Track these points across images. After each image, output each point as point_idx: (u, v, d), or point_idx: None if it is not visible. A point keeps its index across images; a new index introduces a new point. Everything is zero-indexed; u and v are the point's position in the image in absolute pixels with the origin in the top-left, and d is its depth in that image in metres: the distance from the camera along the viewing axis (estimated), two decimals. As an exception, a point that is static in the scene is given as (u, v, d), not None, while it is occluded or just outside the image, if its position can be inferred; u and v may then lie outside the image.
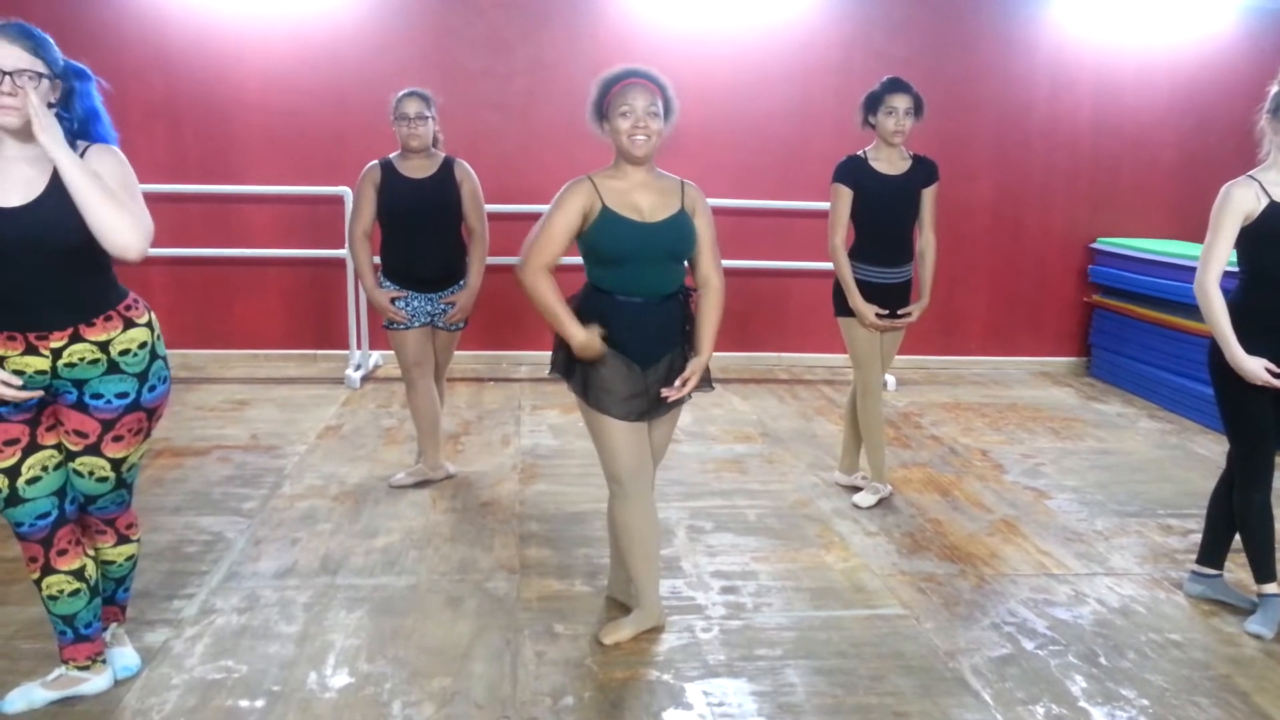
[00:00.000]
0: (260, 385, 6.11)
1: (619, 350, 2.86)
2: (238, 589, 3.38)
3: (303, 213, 6.51)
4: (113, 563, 2.77)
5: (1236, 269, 3.24)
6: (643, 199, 2.84)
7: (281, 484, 4.40)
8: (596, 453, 3.01)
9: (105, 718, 2.62)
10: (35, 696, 2.65)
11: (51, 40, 2.36)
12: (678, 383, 2.90)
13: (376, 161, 4.18)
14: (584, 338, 2.82)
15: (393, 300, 4.19)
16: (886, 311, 4.13)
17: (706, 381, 3.03)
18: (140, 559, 2.91)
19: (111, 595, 2.82)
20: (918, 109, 4.01)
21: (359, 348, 6.44)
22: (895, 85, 4.01)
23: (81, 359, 2.44)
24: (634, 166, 2.84)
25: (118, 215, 2.30)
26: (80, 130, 2.44)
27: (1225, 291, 3.14)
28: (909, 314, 4.18)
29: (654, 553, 3.08)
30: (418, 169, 4.15)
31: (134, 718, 2.62)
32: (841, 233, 4.10)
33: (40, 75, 2.29)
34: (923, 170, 4.11)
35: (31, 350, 2.41)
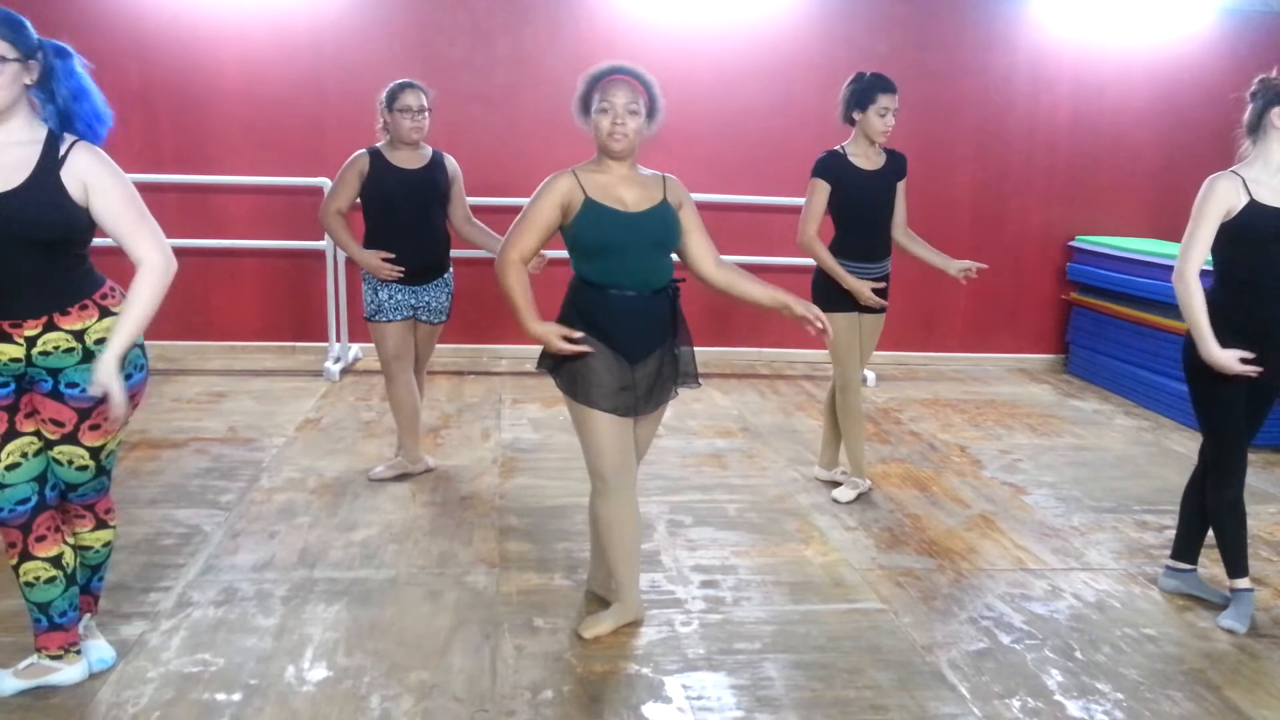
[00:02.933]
0: (238, 377, 6.07)
1: (608, 344, 2.86)
2: (215, 582, 3.35)
3: (281, 203, 6.46)
4: (90, 548, 2.75)
5: (1210, 268, 3.28)
6: (625, 191, 2.85)
7: (259, 477, 4.37)
8: (581, 447, 3.00)
9: (80, 710, 2.60)
10: (5, 684, 2.64)
11: (24, 20, 2.32)
12: (812, 317, 2.88)
13: (366, 150, 4.16)
14: (540, 330, 2.83)
15: (380, 284, 4.18)
16: (876, 292, 4.12)
17: (693, 377, 3.04)
18: (116, 551, 2.89)
19: (86, 584, 2.81)
20: None
21: (338, 340, 6.41)
22: (889, 85, 4.00)
23: (56, 347, 2.41)
24: (615, 161, 2.85)
25: (156, 290, 2.44)
26: (66, 110, 2.40)
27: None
28: (969, 270, 4.12)
29: (635, 548, 3.08)
30: (408, 160, 4.14)
31: (109, 711, 2.60)
32: (814, 225, 4.09)
33: (5, 59, 2.26)
34: (895, 164, 4.16)
35: (5, 337, 2.39)
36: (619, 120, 2.77)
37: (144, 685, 2.72)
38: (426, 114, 4.10)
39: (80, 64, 2.45)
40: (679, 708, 2.72)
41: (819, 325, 2.89)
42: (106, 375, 2.37)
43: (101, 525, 2.75)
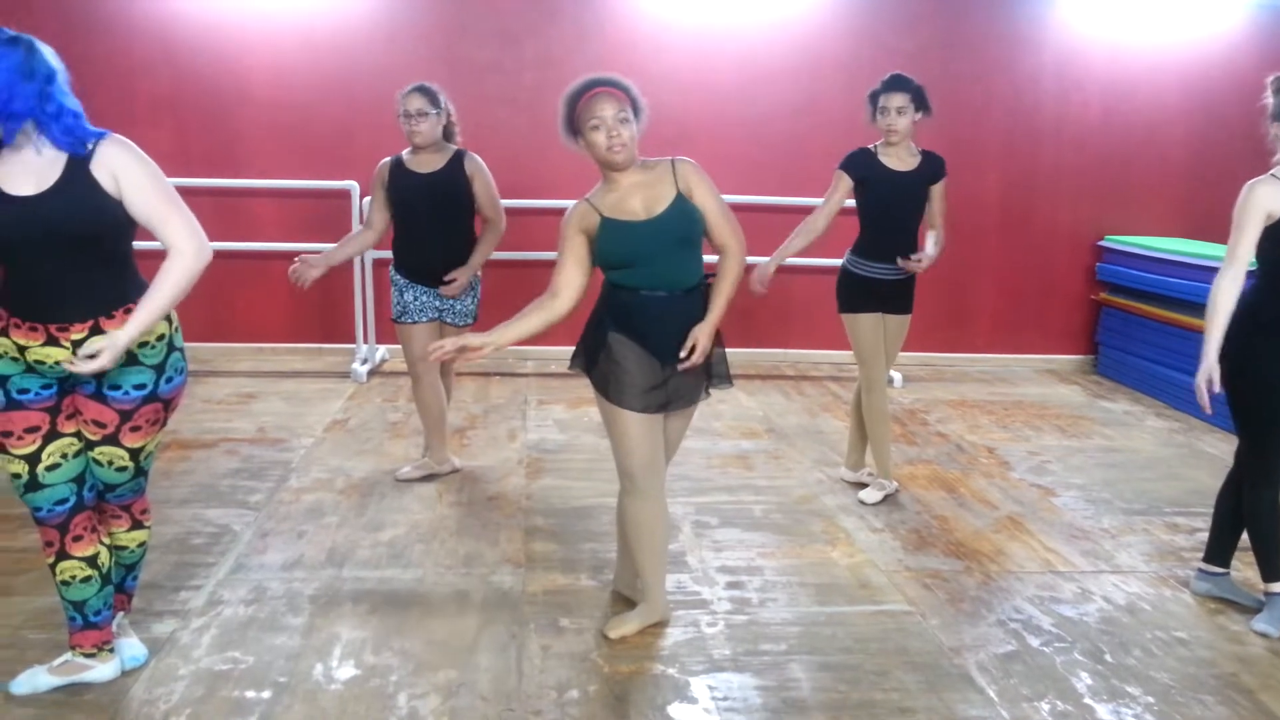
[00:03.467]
0: (267, 379, 6.12)
1: (642, 345, 2.87)
2: (244, 581, 3.39)
3: (309, 206, 6.52)
4: (125, 548, 2.79)
5: (1254, 267, 3.23)
6: (637, 200, 2.85)
7: (288, 477, 4.41)
8: (611, 447, 3.01)
9: (113, 707, 2.63)
10: (40, 681, 2.67)
11: None
12: (683, 353, 2.86)
13: (387, 159, 4.20)
14: (486, 340, 2.82)
15: (406, 286, 4.25)
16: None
17: (725, 378, 3.03)
18: (148, 550, 2.92)
19: (120, 582, 2.84)
20: (920, 104, 3.99)
21: (365, 341, 6.45)
22: (890, 84, 3.99)
23: None
24: (620, 173, 2.86)
25: (182, 278, 2.42)
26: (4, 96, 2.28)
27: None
28: (919, 260, 4.08)
29: (662, 549, 3.08)
30: (426, 163, 4.15)
31: (141, 708, 2.63)
32: (826, 214, 4.07)
33: None
34: (931, 167, 4.10)
35: (52, 341, 2.43)
36: (614, 132, 2.77)
37: (175, 683, 2.75)
38: (428, 116, 4.04)
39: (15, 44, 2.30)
40: (705, 708, 2.72)
41: (691, 363, 2.86)
42: (107, 347, 2.33)
43: (137, 526, 2.79)
